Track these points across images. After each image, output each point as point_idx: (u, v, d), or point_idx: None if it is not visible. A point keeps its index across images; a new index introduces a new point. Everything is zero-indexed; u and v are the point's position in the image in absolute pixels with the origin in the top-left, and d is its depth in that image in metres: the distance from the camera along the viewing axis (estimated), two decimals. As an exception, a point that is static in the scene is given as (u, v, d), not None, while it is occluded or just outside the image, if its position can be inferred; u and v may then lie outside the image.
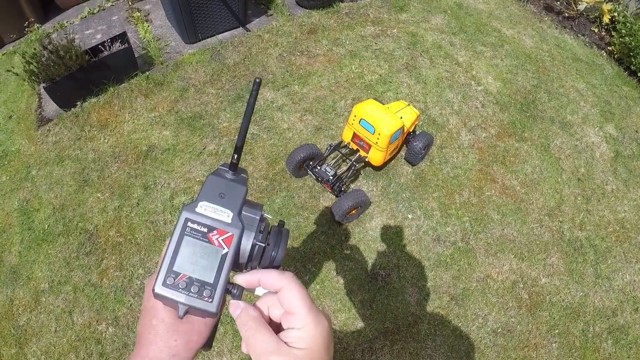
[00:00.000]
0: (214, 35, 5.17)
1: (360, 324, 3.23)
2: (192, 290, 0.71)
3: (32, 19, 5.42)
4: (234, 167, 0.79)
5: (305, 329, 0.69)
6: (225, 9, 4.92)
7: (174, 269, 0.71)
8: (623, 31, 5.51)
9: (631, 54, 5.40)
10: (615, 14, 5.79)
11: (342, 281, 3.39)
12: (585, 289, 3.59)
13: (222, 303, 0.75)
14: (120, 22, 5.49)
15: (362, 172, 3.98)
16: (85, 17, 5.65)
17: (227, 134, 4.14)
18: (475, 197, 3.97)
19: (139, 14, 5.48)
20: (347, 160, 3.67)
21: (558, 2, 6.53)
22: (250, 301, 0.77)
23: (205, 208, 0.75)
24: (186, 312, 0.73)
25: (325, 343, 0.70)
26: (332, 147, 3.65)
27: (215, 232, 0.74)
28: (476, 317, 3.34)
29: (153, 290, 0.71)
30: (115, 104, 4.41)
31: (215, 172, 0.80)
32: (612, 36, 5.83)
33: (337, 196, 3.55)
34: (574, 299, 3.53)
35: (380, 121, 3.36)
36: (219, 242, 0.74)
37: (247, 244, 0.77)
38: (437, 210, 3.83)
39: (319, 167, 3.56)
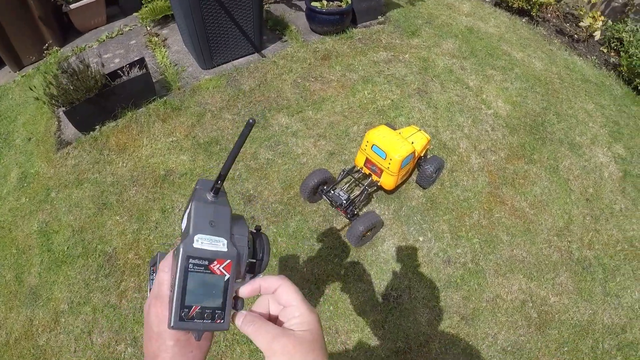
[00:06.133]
0: (230, 61, 5.26)
1: (373, 344, 3.27)
2: (205, 317, 0.78)
3: (51, 41, 5.57)
4: (216, 191, 0.85)
5: (302, 315, 0.82)
6: (241, 35, 5.02)
7: (186, 304, 0.77)
8: (630, 50, 5.56)
9: (639, 72, 5.45)
10: (625, 34, 5.85)
11: (355, 302, 3.44)
12: (594, 307, 3.62)
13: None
14: (138, 47, 5.60)
15: (374, 195, 4.05)
16: (104, 40, 5.77)
17: (242, 159, 4.22)
18: (485, 219, 4.02)
19: (156, 39, 5.59)
20: (360, 185, 3.75)
21: (567, 25, 6.60)
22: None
23: (202, 242, 0.80)
24: (202, 334, 0.81)
25: (320, 328, 0.83)
26: (345, 172, 3.73)
27: (215, 262, 0.80)
28: (486, 336, 3.38)
29: (170, 326, 0.76)
30: (133, 128, 4.50)
31: (197, 197, 0.85)
32: (621, 56, 5.89)
33: (350, 220, 3.62)
34: (582, 316, 3.55)
35: (391, 147, 3.44)
36: (221, 271, 0.80)
37: (243, 265, 0.86)
38: (448, 233, 3.89)
39: (332, 192, 3.63)
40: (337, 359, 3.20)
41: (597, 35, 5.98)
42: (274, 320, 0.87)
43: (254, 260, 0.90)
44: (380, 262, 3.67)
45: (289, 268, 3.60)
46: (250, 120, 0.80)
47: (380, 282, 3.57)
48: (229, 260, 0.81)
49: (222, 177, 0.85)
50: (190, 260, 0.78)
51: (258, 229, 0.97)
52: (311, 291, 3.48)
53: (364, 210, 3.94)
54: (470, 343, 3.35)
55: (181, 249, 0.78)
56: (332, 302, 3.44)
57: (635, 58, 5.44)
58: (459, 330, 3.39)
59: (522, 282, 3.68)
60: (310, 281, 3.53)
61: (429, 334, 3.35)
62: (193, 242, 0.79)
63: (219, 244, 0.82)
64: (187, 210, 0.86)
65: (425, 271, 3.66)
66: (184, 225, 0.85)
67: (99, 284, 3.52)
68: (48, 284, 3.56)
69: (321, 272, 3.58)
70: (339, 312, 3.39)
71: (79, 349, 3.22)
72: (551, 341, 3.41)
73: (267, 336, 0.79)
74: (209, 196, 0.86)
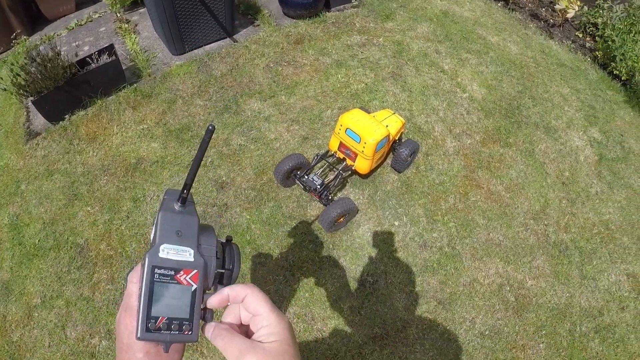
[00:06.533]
0: (201, 46, 5.18)
1: (349, 330, 3.26)
2: (173, 328, 0.76)
3: (19, 31, 5.43)
4: (183, 201, 0.83)
5: (270, 325, 0.80)
6: (212, 20, 4.94)
7: (152, 314, 0.76)
8: (606, 32, 5.58)
9: (614, 55, 5.46)
10: (600, 19, 5.86)
11: (330, 289, 3.41)
12: (572, 290, 3.64)
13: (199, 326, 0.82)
14: (107, 34, 5.49)
15: (349, 180, 4.01)
16: (73, 28, 5.65)
17: (214, 146, 4.16)
18: (461, 202, 4.00)
19: (126, 26, 5.48)
20: (334, 169, 3.70)
21: (543, 10, 6.60)
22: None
23: (168, 251, 0.79)
24: (170, 345, 0.79)
25: (291, 336, 0.81)
26: (319, 157, 3.68)
27: (181, 272, 0.79)
28: (464, 321, 3.38)
29: (137, 337, 0.75)
30: (103, 116, 4.41)
31: (165, 206, 0.83)
32: (596, 41, 5.90)
33: (324, 205, 3.58)
34: (560, 300, 3.58)
35: (365, 130, 3.40)
36: (187, 281, 0.79)
37: (210, 275, 0.84)
38: (424, 217, 3.87)
39: (306, 177, 3.59)
40: (313, 346, 3.17)
41: (571, 13, 5.98)
42: (246, 328, 0.87)
43: (223, 271, 0.88)
44: (355, 248, 3.65)
45: (263, 255, 3.56)
46: (210, 127, 0.78)
47: (356, 267, 3.55)
48: (195, 271, 0.80)
49: (187, 186, 0.83)
50: (156, 271, 0.77)
51: (229, 239, 0.95)
52: (286, 278, 3.44)
53: (339, 195, 3.90)
54: (447, 328, 3.35)
55: (147, 259, 0.77)
56: (307, 289, 3.41)
57: (610, 40, 5.45)
58: (436, 315, 3.39)
59: (499, 266, 3.68)
60: (285, 268, 3.49)
61: (406, 319, 3.34)
62: (159, 252, 0.78)
63: (186, 254, 0.81)
64: (155, 221, 0.84)
65: (401, 256, 3.64)
66: (152, 236, 0.84)
67: (71, 276, 3.46)
68: (20, 278, 3.49)
69: (296, 258, 3.54)
70: (315, 299, 3.36)
71: (53, 343, 3.16)
72: (529, 325, 3.43)
73: (235, 351, 0.78)
74: (176, 206, 0.84)
